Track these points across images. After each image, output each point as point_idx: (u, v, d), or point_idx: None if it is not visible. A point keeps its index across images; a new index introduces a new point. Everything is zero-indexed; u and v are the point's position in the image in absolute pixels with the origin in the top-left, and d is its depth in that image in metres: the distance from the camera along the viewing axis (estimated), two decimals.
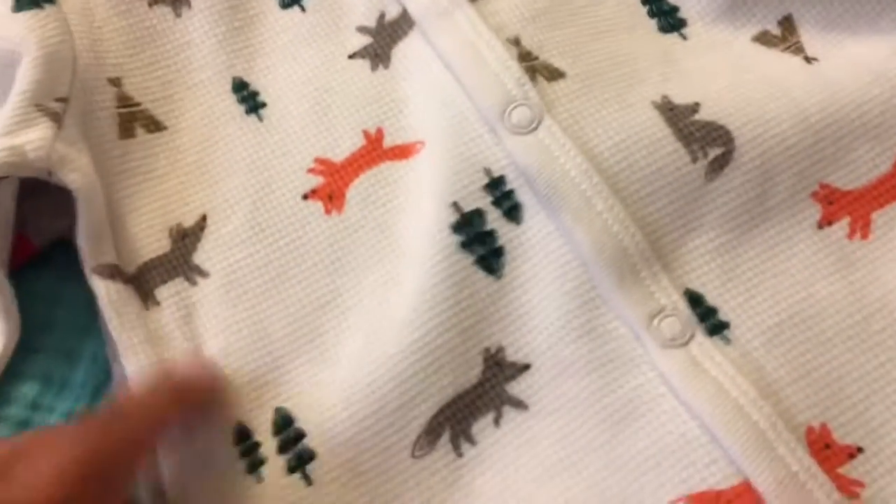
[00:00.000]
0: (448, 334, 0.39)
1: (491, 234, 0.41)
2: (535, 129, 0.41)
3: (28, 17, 0.43)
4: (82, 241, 0.41)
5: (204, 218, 0.44)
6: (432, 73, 0.44)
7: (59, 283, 0.44)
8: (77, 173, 0.41)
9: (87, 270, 0.41)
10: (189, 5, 0.47)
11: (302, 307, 0.42)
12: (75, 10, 0.45)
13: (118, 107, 0.45)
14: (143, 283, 0.42)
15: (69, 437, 0.34)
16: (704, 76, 0.44)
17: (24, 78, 0.42)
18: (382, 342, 0.39)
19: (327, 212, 0.43)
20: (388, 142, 0.44)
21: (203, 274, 0.43)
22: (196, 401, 0.39)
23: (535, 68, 0.43)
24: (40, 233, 0.45)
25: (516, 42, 0.44)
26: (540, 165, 0.40)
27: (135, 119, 0.45)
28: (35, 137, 0.41)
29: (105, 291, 0.41)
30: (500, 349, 0.40)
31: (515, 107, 0.41)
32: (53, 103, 0.42)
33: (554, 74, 0.43)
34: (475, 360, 0.39)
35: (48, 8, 0.44)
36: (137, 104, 0.45)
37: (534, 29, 0.44)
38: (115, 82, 0.45)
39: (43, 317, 0.44)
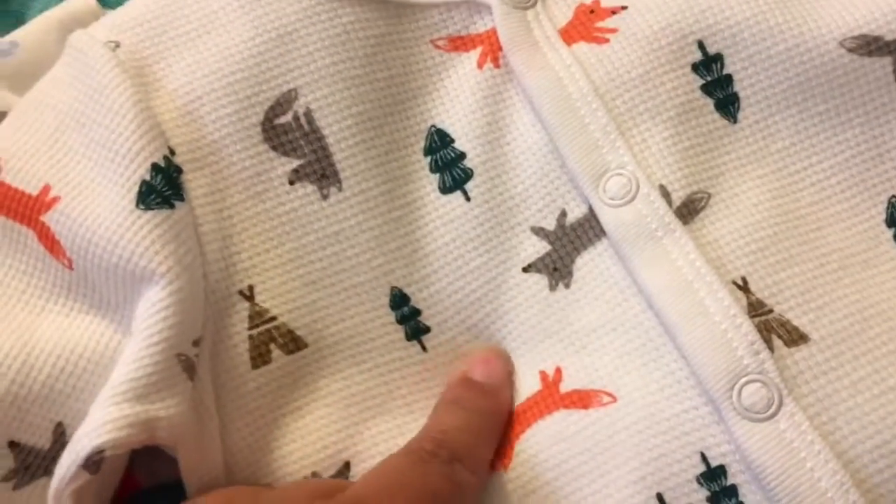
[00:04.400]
0: None
1: None
2: (774, 415, 0.32)
3: (157, 222, 0.34)
4: None
5: (347, 466, 0.36)
6: (629, 308, 0.35)
7: None
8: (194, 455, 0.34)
9: None
10: (339, 185, 0.38)
11: None
12: (203, 197, 0.36)
13: (250, 327, 0.36)
14: None
15: None
16: None
17: (160, 318, 0.33)
18: None
19: (493, 468, 0.35)
20: (565, 385, 0.36)
21: None
22: None
23: (770, 326, 0.34)
24: (152, 475, 0.37)
25: (744, 286, 0.35)
26: (777, 465, 0.31)
27: (271, 339, 0.36)
28: (174, 411, 0.33)
29: None
30: None
31: (747, 382, 0.33)
32: (192, 348, 0.34)
33: (794, 337, 0.34)
34: None
35: (179, 208, 0.35)
36: (273, 318, 0.36)
37: (764, 267, 0.35)
38: (248, 293, 0.36)
39: None
